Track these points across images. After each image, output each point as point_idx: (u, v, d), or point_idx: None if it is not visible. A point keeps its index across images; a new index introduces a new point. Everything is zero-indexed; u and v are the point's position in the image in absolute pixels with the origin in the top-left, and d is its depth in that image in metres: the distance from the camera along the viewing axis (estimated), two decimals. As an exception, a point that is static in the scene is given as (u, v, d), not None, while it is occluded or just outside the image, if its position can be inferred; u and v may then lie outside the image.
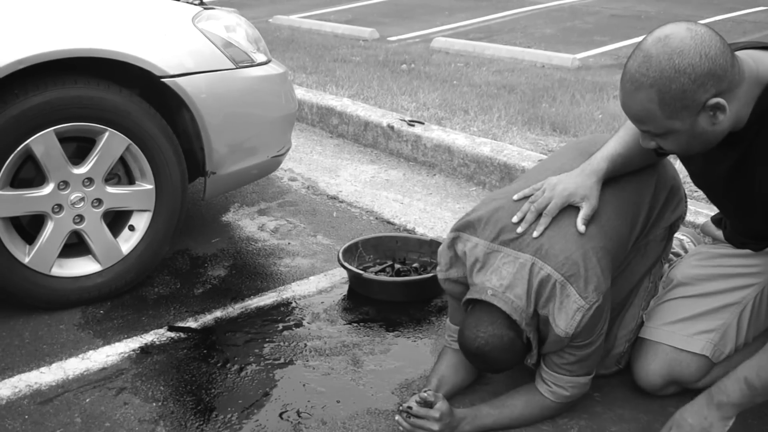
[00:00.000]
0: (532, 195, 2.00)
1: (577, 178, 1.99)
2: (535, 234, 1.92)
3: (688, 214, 2.87)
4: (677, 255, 2.49)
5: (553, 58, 6.89)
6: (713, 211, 2.63)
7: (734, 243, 2.14)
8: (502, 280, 1.91)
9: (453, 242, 2.04)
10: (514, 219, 1.96)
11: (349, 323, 2.61)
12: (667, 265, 2.33)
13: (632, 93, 1.67)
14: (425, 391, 1.96)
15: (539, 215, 1.95)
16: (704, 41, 1.60)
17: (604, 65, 6.74)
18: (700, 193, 3.24)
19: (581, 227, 1.92)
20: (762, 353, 1.82)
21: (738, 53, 1.70)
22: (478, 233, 1.99)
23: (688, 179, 3.29)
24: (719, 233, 2.27)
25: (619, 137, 2.06)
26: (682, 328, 2.12)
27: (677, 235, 2.56)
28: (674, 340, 2.12)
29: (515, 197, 2.02)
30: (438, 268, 2.11)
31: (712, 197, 2.07)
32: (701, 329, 2.10)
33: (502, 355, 1.90)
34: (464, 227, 2.02)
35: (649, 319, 2.21)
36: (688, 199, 2.74)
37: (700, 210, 2.97)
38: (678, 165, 2.26)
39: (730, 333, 2.08)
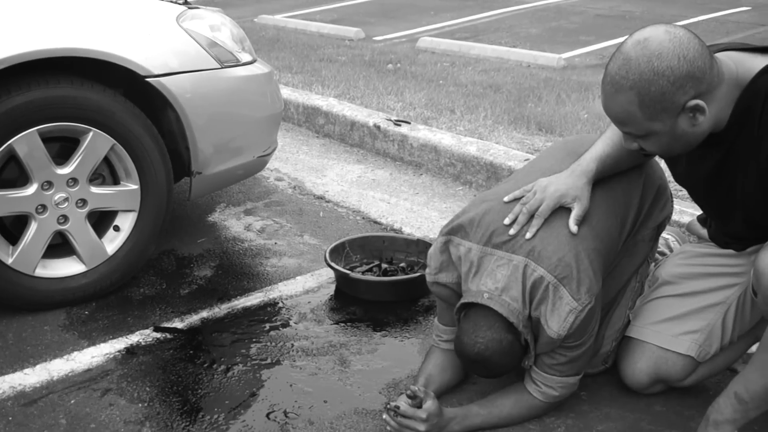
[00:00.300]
0: (523, 197, 2.00)
1: (568, 179, 1.99)
2: (528, 235, 1.91)
3: (674, 213, 2.88)
4: (663, 254, 2.50)
5: (539, 58, 6.91)
6: (698, 210, 2.64)
7: (718, 242, 2.15)
8: (497, 283, 1.90)
9: (445, 245, 2.04)
10: (506, 221, 1.95)
11: (336, 323, 2.61)
12: (653, 265, 2.34)
13: (612, 95, 1.69)
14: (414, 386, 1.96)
15: (531, 217, 1.95)
16: (683, 43, 1.62)
17: (589, 65, 6.76)
18: (686, 192, 3.26)
19: (573, 228, 1.92)
20: (749, 367, 1.83)
21: (718, 55, 1.71)
22: (470, 236, 1.98)
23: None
24: (704, 232, 2.28)
25: (607, 137, 2.07)
26: (667, 327, 2.13)
27: (662, 234, 2.57)
28: (660, 339, 2.12)
29: (506, 199, 2.02)
30: (427, 270, 2.10)
31: (695, 197, 2.09)
32: (686, 329, 2.10)
33: (503, 359, 1.90)
34: (455, 230, 2.02)
35: (635, 318, 2.22)
36: (674, 199, 2.75)
37: (684, 209, 2.98)
38: (664, 165, 2.27)
39: (715, 333, 2.09)
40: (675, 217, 2.91)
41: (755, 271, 1.78)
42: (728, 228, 2.05)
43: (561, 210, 1.96)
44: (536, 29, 8.53)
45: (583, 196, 1.96)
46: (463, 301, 1.96)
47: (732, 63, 1.71)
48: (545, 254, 1.88)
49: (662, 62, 1.61)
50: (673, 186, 2.90)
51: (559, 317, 1.85)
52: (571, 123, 4.49)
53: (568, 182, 1.98)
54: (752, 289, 1.84)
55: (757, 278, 1.77)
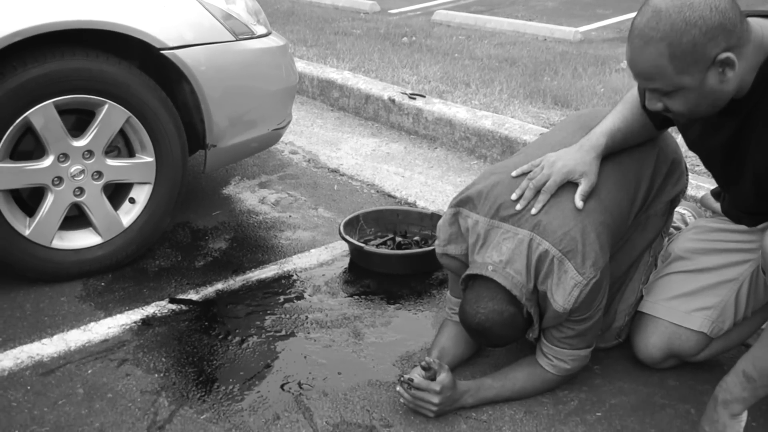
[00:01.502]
0: (530, 171, 2.00)
1: (576, 154, 1.98)
2: (534, 211, 1.91)
3: (689, 188, 2.87)
4: (678, 229, 2.49)
5: (555, 32, 6.86)
6: (714, 185, 2.63)
7: (731, 217, 2.14)
8: (501, 255, 1.91)
9: (454, 217, 2.04)
10: (513, 196, 1.95)
11: (350, 296, 2.62)
12: (667, 240, 2.33)
13: (642, 48, 1.65)
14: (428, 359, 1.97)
15: (538, 192, 1.94)
16: None
17: (606, 38, 6.70)
18: (702, 167, 3.24)
19: (579, 203, 1.91)
20: (757, 344, 1.80)
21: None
22: (478, 209, 1.98)
23: (690, 153, 3.29)
24: (717, 206, 2.27)
25: (618, 112, 2.05)
26: (680, 304, 2.12)
27: (678, 209, 2.56)
28: (673, 316, 2.12)
29: (513, 174, 2.01)
30: (436, 242, 2.11)
31: (708, 164, 2.05)
32: (699, 306, 2.10)
33: (503, 330, 1.90)
34: (464, 202, 2.02)
35: (648, 293, 2.21)
36: (690, 174, 2.73)
37: (701, 184, 2.96)
38: (679, 139, 2.25)
39: (729, 309, 2.08)
40: (691, 192, 2.90)
41: (762, 251, 1.77)
42: (739, 199, 2.03)
43: (568, 184, 1.95)
44: (553, 2, 8.45)
45: (591, 172, 1.95)
46: (468, 272, 1.97)
47: (758, 27, 1.68)
48: (550, 228, 1.88)
49: (694, 12, 1.58)
50: (689, 161, 2.88)
51: (564, 291, 1.85)
52: (587, 97, 4.46)
53: (576, 157, 1.96)
54: (762, 268, 1.82)
55: (765, 258, 1.76)
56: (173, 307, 2.54)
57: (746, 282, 2.07)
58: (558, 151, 2.01)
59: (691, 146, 2.03)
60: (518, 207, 1.93)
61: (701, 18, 1.57)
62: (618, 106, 2.07)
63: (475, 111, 4.12)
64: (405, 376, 1.96)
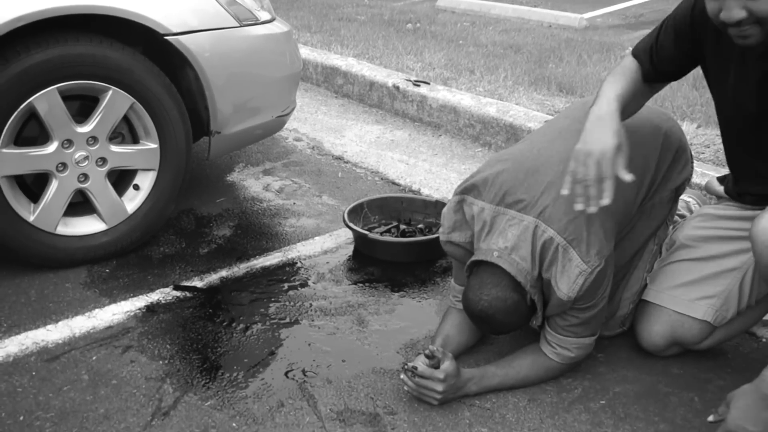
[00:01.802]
0: (576, 177, 1.82)
1: (603, 129, 1.82)
2: (607, 201, 1.76)
3: (695, 176, 2.86)
4: (683, 217, 2.49)
5: (560, 18, 6.83)
6: (719, 173, 2.62)
7: (732, 195, 2.13)
8: (507, 242, 1.90)
9: (459, 205, 2.04)
10: (579, 207, 1.79)
11: (354, 283, 2.62)
12: (671, 227, 2.33)
13: None
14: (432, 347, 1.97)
15: (600, 182, 1.78)
16: None
17: (611, 25, 6.67)
18: (707, 154, 3.23)
19: (627, 177, 1.76)
20: None
21: None
22: (483, 196, 1.98)
23: (695, 141, 3.29)
24: (721, 189, 2.26)
25: (611, 83, 1.96)
26: (684, 292, 2.12)
27: (683, 196, 2.56)
28: (676, 304, 2.11)
29: (564, 192, 1.83)
30: (441, 229, 2.11)
31: (729, 129, 2.02)
32: (703, 294, 2.09)
33: (506, 317, 1.90)
34: (469, 190, 2.02)
35: (652, 281, 2.21)
36: (695, 161, 2.72)
37: (706, 172, 2.95)
38: (684, 127, 2.24)
39: (732, 298, 2.07)
40: (697, 180, 2.89)
41: (750, 238, 1.76)
42: (754, 166, 2.00)
43: None
44: (558, -12, 8.41)
45: (623, 143, 1.81)
46: (473, 258, 1.96)
47: None
48: (556, 216, 1.87)
49: None
50: (694, 149, 2.87)
51: (568, 279, 1.85)
52: (592, 84, 4.44)
53: (606, 132, 1.81)
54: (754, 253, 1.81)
55: (752, 244, 1.76)
56: (177, 294, 2.54)
57: (750, 270, 2.06)
58: (580, 142, 1.84)
59: (716, 91, 1.99)
60: (591, 209, 1.78)
61: None
62: (609, 77, 2.00)
63: (480, 98, 4.10)
64: (409, 363, 1.96)
